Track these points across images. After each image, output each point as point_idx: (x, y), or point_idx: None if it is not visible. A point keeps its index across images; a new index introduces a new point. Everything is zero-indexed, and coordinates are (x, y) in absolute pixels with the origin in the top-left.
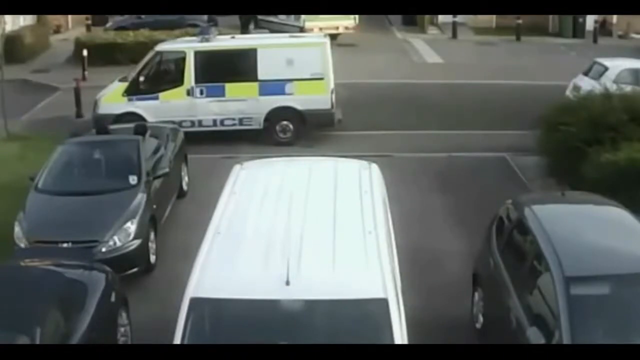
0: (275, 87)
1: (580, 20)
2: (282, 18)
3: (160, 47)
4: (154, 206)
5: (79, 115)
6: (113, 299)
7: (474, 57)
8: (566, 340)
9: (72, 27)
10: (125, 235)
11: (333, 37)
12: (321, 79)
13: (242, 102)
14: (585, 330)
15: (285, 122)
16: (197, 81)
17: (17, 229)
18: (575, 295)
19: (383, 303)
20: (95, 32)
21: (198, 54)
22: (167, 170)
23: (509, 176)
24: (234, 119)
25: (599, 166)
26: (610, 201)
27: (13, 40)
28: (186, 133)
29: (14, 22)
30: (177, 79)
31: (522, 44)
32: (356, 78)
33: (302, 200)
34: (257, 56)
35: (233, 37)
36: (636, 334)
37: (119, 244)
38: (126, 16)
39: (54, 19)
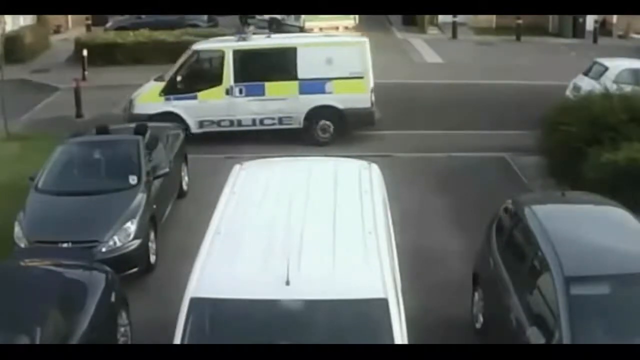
0: (315, 85)
1: (580, 20)
2: (281, 18)
3: (197, 46)
4: (154, 206)
5: (79, 115)
6: (113, 299)
7: (474, 57)
8: (566, 340)
9: (72, 27)
10: (125, 235)
11: None
12: (361, 77)
13: (281, 101)
14: (585, 330)
15: (325, 122)
16: (236, 80)
17: (17, 229)
18: (575, 295)
19: (383, 303)
20: (95, 32)
21: (237, 53)
22: (167, 170)
23: (509, 176)
24: (273, 118)
25: (599, 166)
26: (610, 201)
27: (13, 40)
28: (226, 132)
29: (14, 22)
30: (215, 78)
31: (522, 44)
32: None
33: (302, 200)
34: (297, 55)
35: (269, 36)
36: (636, 334)
37: (119, 244)
38: (126, 16)
39: (54, 19)
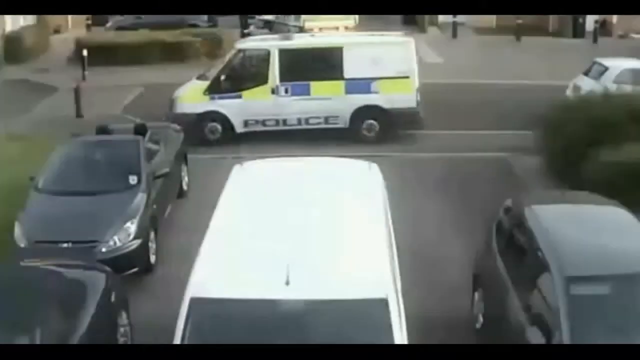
0: (361, 85)
1: (580, 20)
2: (281, 18)
3: (242, 45)
4: (154, 206)
5: (79, 115)
6: (113, 299)
7: (474, 57)
8: (566, 340)
9: (72, 27)
10: (125, 235)
11: None
12: (406, 77)
13: (327, 101)
14: (585, 330)
15: (371, 121)
16: (281, 79)
17: (17, 228)
18: (575, 295)
19: (383, 303)
20: (95, 32)
21: (282, 52)
22: (167, 170)
23: (509, 176)
24: (319, 118)
25: (599, 166)
26: (611, 201)
27: (13, 40)
28: (270, 132)
29: (14, 22)
30: (260, 77)
31: (522, 44)
32: None
33: (302, 200)
34: (343, 54)
35: (313, 36)
36: (636, 334)
37: (119, 244)
38: (126, 16)
39: (54, 19)
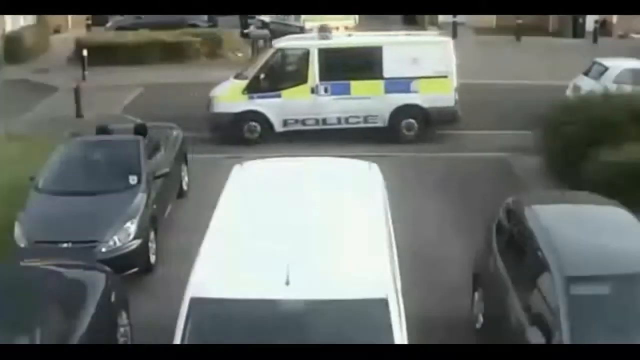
0: (400, 84)
1: (580, 20)
2: (281, 18)
3: (281, 44)
4: (154, 206)
5: (79, 115)
6: (113, 299)
7: (474, 57)
8: (566, 340)
9: (72, 27)
10: (125, 235)
11: None
12: (445, 77)
13: (367, 100)
14: (585, 330)
15: (410, 120)
16: (321, 79)
17: (17, 228)
18: (575, 295)
19: (383, 303)
20: (95, 32)
21: (322, 51)
22: (167, 170)
23: (509, 176)
24: (358, 117)
25: (599, 166)
26: (611, 201)
27: (13, 40)
28: (309, 131)
29: (14, 22)
30: (300, 77)
31: (522, 44)
32: None
33: (302, 200)
34: (383, 54)
35: (350, 35)
36: (636, 334)
37: (119, 244)
38: (126, 16)
39: (54, 19)
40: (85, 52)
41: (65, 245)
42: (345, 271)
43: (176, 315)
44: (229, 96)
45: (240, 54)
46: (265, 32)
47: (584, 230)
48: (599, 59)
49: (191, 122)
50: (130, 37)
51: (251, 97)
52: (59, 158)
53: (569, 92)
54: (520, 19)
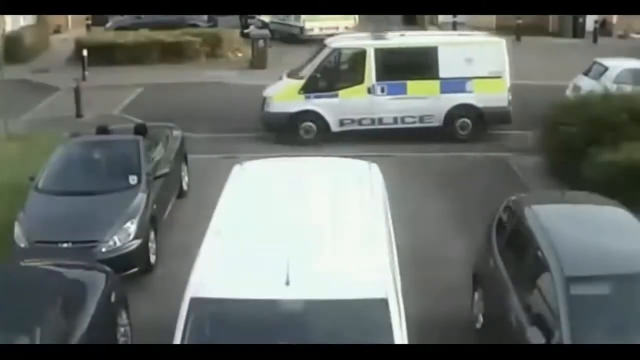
0: (456, 84)
1: (580, 20)
2: (281, 18)
3: (336, 44)
4: (154, 206)
5: (79, 115)
6: (113, 299)
7: None
8: (566, 340)
9: (72, 27)
10: (125, 235)
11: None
12: (499, 77)
13: (423, 100)
14: (585, 330)
15: (465, 119)
16: (377, 79)
17: (17, 229)
18: (575, 295)
19: (383, 303)
20: (95, 32)
21: (378, 51)
22: (167, 170)
23: (509, 176)
24: (414, 117)
25: (599, 166)
26: (611, 201)
27: (13, 40)
28: (365, 131)
29: (14, 22)
30: (357, 77)
31: (522, 44)
32: None
33: (302, 200)
34: (438, 54)
35: (403, 35)
36: (636, 334)
37: (119, 244)
38: (126, 16)
39: (54, 19)
40: (85, 52)
41: (65, 245)
42: (346, 271)
43: (176, 315)
44: (285, 96)
45: (240, 54)
46: (266, 32)
47: (584, 230)
48: (599, 59)
49: (191, 122)
50: (130, 37)
51: (308, 97)
52: (58, 158)
53: (568, 92)
54: (520, 19)
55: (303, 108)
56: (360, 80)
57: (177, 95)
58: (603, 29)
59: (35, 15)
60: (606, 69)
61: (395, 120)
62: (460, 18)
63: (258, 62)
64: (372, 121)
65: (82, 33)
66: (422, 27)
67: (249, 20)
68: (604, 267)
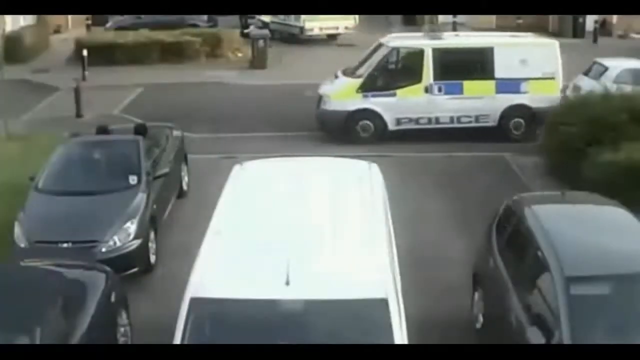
0: (511, 85)
1: (580, 20)
2: (282, 18)
3: (394, 43)
4: (154, 206)
5: (79, 115)
6: (113, 299)
7: None
8: (566, 340)
9: (72, 27)
10: (125, 235)
11: (333, 37)
12: (552, 78)
13: (479, 100)
14: (585, 331)
15: (519, 120)
16: (435, 78)
17: (17, 229)
18: (575, 295)
19: (383, 303)
20: (95, 32)
21: (436, 51)
22: (167, 170)
23: (509, 176)
24: (470, 117)
25: (600, 166)
26: (611, 201)
27: (13, 40)
28: (422, 130)
29: (14, 22)
30: (414, 76)
31: None
32: None
33: (302, 200)
34: (494, 55)
35: (457, 35)
36: (636, 334)
37: (119, 244)
38: (126, 16)
39: (54, 19)
40: (85, 52)
41: (65, 245)
42: (346, 271)
43: (176, 315)
44: (343, 94)
45: (240, 54)
46: (266, 32)
47: (584, 231)
48: (599, 59)
49: (191, 122)
50: (130, 37)
51: (365, 96)
52: (58, 158)
53: (569, 92)
54: (520, 19)
55: (361, 106)
56: (417, 79)
57: (177, 95)
58: (603, 29)
59: (35, 15)
60: (606, 69)
61: (451, 119)
62: (460, 18)
63: (258, 62)
64: (429, 120)
65: (82, 33)
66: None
67: (249, 20)
68: (604, 267)
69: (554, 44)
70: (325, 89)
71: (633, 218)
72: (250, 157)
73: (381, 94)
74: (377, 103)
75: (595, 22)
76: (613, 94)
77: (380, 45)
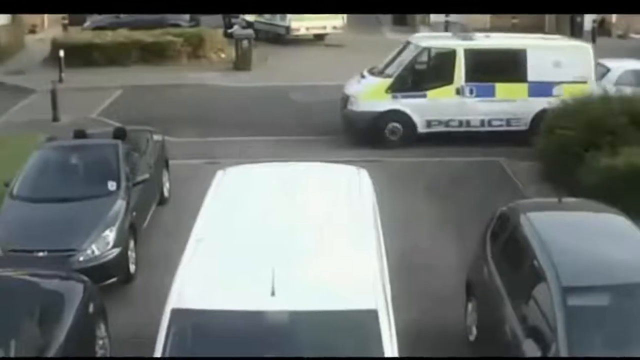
0: (544, 88)
1: (578, 19)
2: (267, 17)
3: (426, 43)
4: (134, 213)
5: (55, 118)
6: (91, 310)
7: None
8: (563, 353)
9: (48, 27)
10: (103, 243)
11: (320, 37)
12: (585, 82)
13: (511, 103)
14: (583, 343)
15: None
16: (467, 80)
17: None
18: (572, 306)
19: (373, 314)
20: (72, 32)
21: (468, 52)
22: (147, 176)
23: (504, 182)
24: (501, 120)
25: (598, 171)
26: (610, 208)
27: None
28: (452, 133)
29: None
30: (446, 77)
31: None
32: (340, 80)
33: (288, 206)
34: (527, 57)
35: (488, 36)
36: (635, 347)
37: (97, 252)
38: (104, 15)
39: (30, 19)
40: (62, 53)
41: (41, 254)
42: (334, 281)
43: (157, 327)
44: (371, 94)
45: (223, 55)
46: (250, 31)
47: (582, 239)
48: (600, 60)
49: (173, 126)
50: (108, 37)
51: (395, 97)
52: (34, 163)
53: None
54: (515, 19)
55: (390, 107)
56: (449, 80)
57: (157, 97)
58: (602, 29)
59: (9, 15)
60: (608, 70)
61: (482, 123)
62: (453, 17)
63: (242, 63)
64: (460, 123)
65: (59, 33)
66: (413, 27)
67: (233, 20)
68: (603, 277)
69: (587, 47)
70: (352, 89)
71: (632, 226)
72: (234, 162)
73: (411, 94)
74: (406, 104)
75: (594, 21)
76: (611, 96)
77: (408, 44)
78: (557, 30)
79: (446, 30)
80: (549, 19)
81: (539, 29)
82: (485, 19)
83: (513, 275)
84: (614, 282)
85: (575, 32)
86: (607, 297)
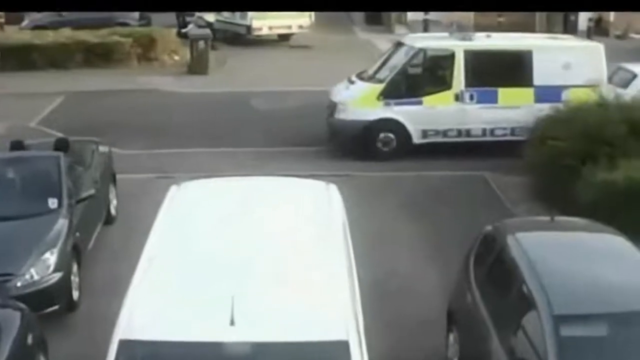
0: (552, 93)
1: (572, 18)
2: (226, 16)
3: (420, 44)
4: (77, 234)
5: None
6: (30, 341)
7: None
8: None
9: None
10: (43, 267)
11: (284, 37)
12: (596, 86)
13: (515, 110)
14: None
15: None
16: (466, 85)
17: None
18: (565, 337)
19: (343, 346)
20: (8, 31)
21: (468, 54)
22: (92, 192)
23: (489, 199)
24: (505, 129)
25: (594, 187)
26: (606, 227)
27: None
28: (450, 144)
29: None
30: (443, 82)
31: None
32: (307, 85)
33: (249, 226)
34: (533, 59)
35: (489, 36)
36: None
37: (36, 277)
38: (44, 14)
39: None
40: None
41: None
42: (300, 309)
43: None
44: (361, 101)
45: (177, 57)
46: (207, 31)
47: (576, 262)
48: (624, 65)
49: (120, 136)
50: (49, 37)
51: (387, 104)
52: None
53: None
54: (501, 17)
55: (382, 116)
56: (447, 85)
57: (104, 104)
58: (598, 28)
59: None
60: (635, 76)
61: (484, 132)
62: (433, 15)
63: (198, 66)
64: (459, 133)
65: None
66: (388, 26)
67: (188, 19)
68: (599, 305)
69: (598, 47)
70: (339, 95)
71: (632, 247)
72: (189, 177)
73: (405, 101)
74: (400, 112)
75: (590, 20)
76: (610, 103)
77: (400, 45)
78: (548, 30)
79: (425, 30)
80: (539, 17)
81: (528, 27)
82: (468, 17)
83: (500, 302)
84: (611, 310)
85: (569, 31)
86: (604, 326)
